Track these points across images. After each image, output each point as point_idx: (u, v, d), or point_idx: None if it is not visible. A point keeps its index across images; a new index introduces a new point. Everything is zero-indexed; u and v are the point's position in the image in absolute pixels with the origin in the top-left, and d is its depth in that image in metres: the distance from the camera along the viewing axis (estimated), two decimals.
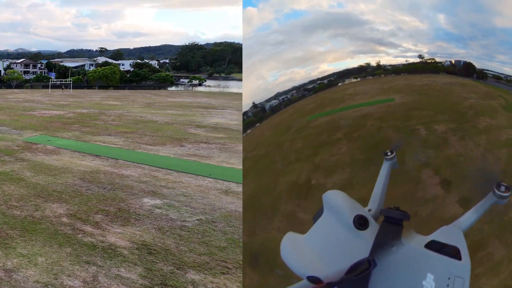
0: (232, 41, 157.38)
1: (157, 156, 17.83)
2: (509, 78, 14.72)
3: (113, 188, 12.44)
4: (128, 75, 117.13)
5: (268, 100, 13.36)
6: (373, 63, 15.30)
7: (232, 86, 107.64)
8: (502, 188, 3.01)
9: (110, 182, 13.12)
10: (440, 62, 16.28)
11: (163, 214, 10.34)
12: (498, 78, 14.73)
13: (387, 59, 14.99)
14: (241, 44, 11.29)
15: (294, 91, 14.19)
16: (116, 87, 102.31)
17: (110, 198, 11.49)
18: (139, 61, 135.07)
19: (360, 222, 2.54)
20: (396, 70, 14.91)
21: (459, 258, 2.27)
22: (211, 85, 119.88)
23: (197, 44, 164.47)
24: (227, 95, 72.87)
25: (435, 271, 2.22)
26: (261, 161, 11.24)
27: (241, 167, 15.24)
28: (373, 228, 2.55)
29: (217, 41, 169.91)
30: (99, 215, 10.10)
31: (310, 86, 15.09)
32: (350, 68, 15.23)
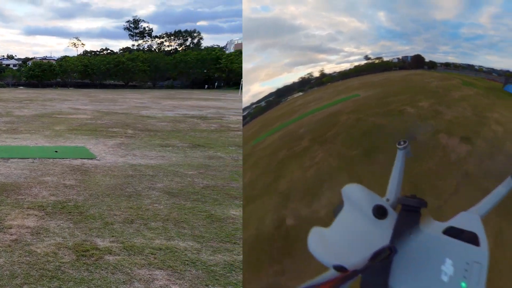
0: None
1: None
2: (457, 65, 15.90)
3: None
4: None
5: None
6: (316, 73, 14.91)
7: None
8: None
9: None
10: (388, 61, 16.67)
11: None
12: (447, 65, 15.81)
13: (330, 67, 14.77)
14: None
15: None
16: None
17: None
18: None
19: (379, 212, 2.55)
20: (343, 75, 14.75)
21: (477, 244, 2.25)
22: None
23: None
24: None
25: (453, 257, 2.20)
26: None
27: None
28: (392, 217, 2.55)
29: None
30: None
31: (245, 113, 14.38)
32: (289, 83, 14.75)
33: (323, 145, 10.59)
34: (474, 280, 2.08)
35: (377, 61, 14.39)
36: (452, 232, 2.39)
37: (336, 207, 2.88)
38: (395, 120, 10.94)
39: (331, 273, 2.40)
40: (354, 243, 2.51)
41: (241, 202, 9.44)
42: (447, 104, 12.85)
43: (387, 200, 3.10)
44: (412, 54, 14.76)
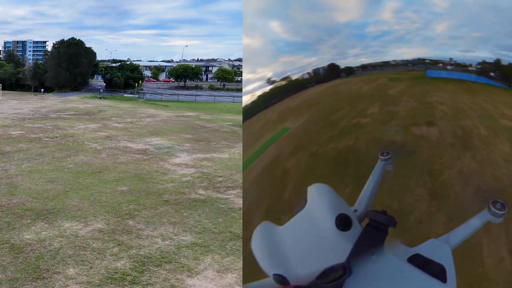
0: None
1: None
2: (373, 64, 16.15)
3: None
4: None
5: None
6: None
7: None
8: (498, 205, 2.83)
9: None
10: (298, 78, 15.80)
11: None
12: (364, 67, 15.94)
13: None
14: None
15: None
16: None
17: None
18: None
19: (343, 222, 2.30)
20: (251, 109, 14.02)
21: (444, 280, 2.08)
22: None
23: None
24: None
25: None
26: None
27: None
28: (356, 230, 2.31)
29: None
30: None
31: None
32: None
33: None
34: None
35: (283, 82, 13.25)
36: (419, 260, 2.18)
37: (299, 207, 2.60)
38: (360, 138, 10.45)
39: (269, 282, 2.16)
40: (305, 252, 2.27)
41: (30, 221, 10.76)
42: (393, 103, 13.19)
43: (355, 211, 2.85)
44: (322, 65, 14.46)
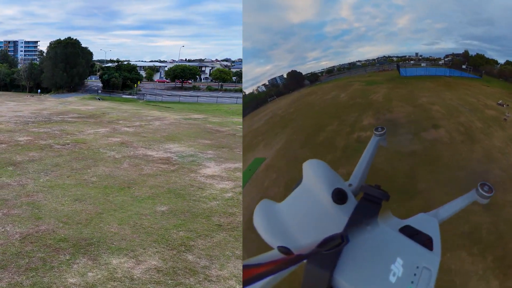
0: None
1: None
2: (340, 68, 15.56)
3: None
4: None
5: None
6: None
7: None
8: (486, 188, 3.05)
9: None
10: (257, 94, 14.74)
11: None
12: (330, 72, 15.35)
13: None
14: None
15: None
16: None
17: None
18: None
19: (339, 196, 2.44)
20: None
21: (431, 248, 2.24)
22: None
23: None
24: None
25: (405, 257, 2.14)
26: None
27: None
28: (351, 203, 2.45)
29: None
30: None
31: None
32: None
33: None
34: (422, 286, 2.04)
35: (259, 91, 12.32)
36: (408, 231, 2.35)
37: (297, 183, 2.72)
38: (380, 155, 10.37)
39: (274, 254, 2.28)
40: (304, 225, 2.40)
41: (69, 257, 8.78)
42: (387, 110, 12.68)
43: (350, 185, 3.00)
44: (279, 75, 13.21)
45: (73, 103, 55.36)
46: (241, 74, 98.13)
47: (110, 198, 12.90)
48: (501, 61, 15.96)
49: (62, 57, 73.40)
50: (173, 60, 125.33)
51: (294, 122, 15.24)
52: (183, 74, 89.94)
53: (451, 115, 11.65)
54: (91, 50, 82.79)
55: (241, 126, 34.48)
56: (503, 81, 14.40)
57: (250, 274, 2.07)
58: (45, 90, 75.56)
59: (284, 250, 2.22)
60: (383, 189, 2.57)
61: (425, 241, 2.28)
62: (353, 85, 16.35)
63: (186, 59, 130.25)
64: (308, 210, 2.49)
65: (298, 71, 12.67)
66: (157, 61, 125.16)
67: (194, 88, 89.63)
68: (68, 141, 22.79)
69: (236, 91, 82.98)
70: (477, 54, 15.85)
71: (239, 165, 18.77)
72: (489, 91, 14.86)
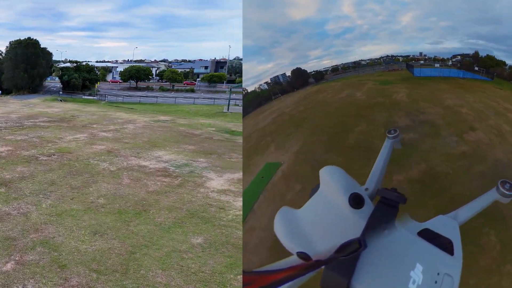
0: None
1: None
2: (345, 67, 15.61)
3: None
4: None
5: None
6: None
7: None
8: (507, 186, 2.76)
9: None
10: (258, 90, 14.12)
11: None
12: (335, 70, 15.39)
13: None
14: None
15: None
16: None
17: None
18: None
19: (356, 201, 2.22)
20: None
21: (451, 253, 2.04)
22: None
23: None
24: None
25: (425, 263, 1.92)
26: None
27: None
28: (368, 208, 2.24)
29: None
30: None
31: None
32: None
33: None
34: None
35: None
36: (428, 234, 2.15)
37: (313, 189, 2.53)
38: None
39: (294, 260, 2.11)
40: (323, 230, 2.20)
41: None
42: (418, 110, 11.65)
43: (366, 189, 2.80)
44: (282, 73, 12.26)
45: (37, 105, 50.33)
46: (188, 74, 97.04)
47: (132, 227, 10.18)
48: (509, 62, 14.88)
49: (22, 58, 67.04)
50: (124, 61, 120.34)
51: (309, 121, 13.66)
52: (138, 75, 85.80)
53: (481, 118, 10.62)
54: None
55: (213, 129, 32.40)
56: None
57: (269, 281, 1.82)
58: (5, 92, 69.07)
59: (303, 255, 2.05)
60: (401, 192, 2.33)
61: (446, 245, 2.04)
62: (366, 84, 15.32)
63: (128, 60, 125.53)
64: (326, 215, 2.28)
65: (302, 69, 11.12)
66: (109, 62, 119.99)
67: (148, 89, 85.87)
68: (52, 151, 19.40)
69: (187, 91, 79.93)
70: (487, 55, 15.03)
71: (240, 175, 16.43)
72: (504, 94, 14.02)
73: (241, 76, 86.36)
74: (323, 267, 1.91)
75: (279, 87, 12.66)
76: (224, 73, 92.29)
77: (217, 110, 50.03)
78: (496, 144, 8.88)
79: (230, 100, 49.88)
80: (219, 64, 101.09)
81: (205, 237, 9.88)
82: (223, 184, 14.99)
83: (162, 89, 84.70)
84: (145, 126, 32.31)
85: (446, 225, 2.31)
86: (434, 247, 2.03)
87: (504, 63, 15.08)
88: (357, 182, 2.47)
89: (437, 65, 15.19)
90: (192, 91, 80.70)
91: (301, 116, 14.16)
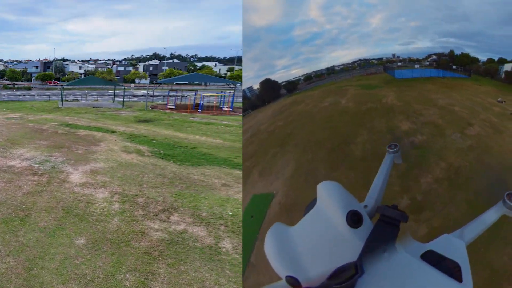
0: None
1: None
2: (319, 74, 16.06)
3: None
4: None
5: None
6: None
7: None
8: None
9: None
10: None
11: None
12: (308, 79, 15.69)
13: None
14: None
15: None
16: None
17: None
18: None
19: (354, 219, 1.96)
20: None
21: (460, 279, 1.78)
22: None
23: None
24: None
25: None
26: None
27: None
28: (367, 226, 1.99)
29: None
30: None
31: None
32: None
33: None
34: None
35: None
36: (432, 257, 1.93)
37: (309, 204, 2.31)
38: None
39: (282, 285, 1.89)
40: (316, 252, 1.95)
41: None
42: (414, 111, 11.73)
43: (365, 206, 2.60)
44: (247, 86, 12.40)
45: None
46: (23, 74, 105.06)
47: (21, 238, 8.92)
48: (481, 58, 15.42)
49: None
50: None
51: (296, 136, 11.98)
52: None
53: (473, 115, 10.68)
54: None
55: (55, 123, 30.42)
56: (489, 79, 13.90)
57: None
58: None
59: (292, 281, 1.76)
60: (401, 209, 2.10)
61: (453, 270, 1.81)
62: (348, 90, 14.71)
63: None
64: (321, 235, 2.00)
65: (273, 80, 10.23)
66: None
67: None
68: None
69: (25, 89, 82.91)
70: (462, 53, 15.52)
71: (93, 165, 15.84)
72: (484, 90, 14.06)
73: (64, 75, 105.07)
74: None
75: (247, 102, 11.40)
76: (52, 72, 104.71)
77: (53, 105, 49.34)
78: (495, 136, 9.03)
79: (64, 96, 53.78)
80: (46, 64, 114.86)
81: (86, 236, 9.13)
82: (81, 177, 14.17)
83: (5, 87, 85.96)
84: (1, 124, 29.72)
85: (452, 245, 2.08)
86: (440, 274, 1.78)
87: (477, 60, 15.51)
88: (357, 199, 2.21)
89: (417, 66, 15.40)
90: (30, 88, 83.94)
91: (283, 132, 12.82)
